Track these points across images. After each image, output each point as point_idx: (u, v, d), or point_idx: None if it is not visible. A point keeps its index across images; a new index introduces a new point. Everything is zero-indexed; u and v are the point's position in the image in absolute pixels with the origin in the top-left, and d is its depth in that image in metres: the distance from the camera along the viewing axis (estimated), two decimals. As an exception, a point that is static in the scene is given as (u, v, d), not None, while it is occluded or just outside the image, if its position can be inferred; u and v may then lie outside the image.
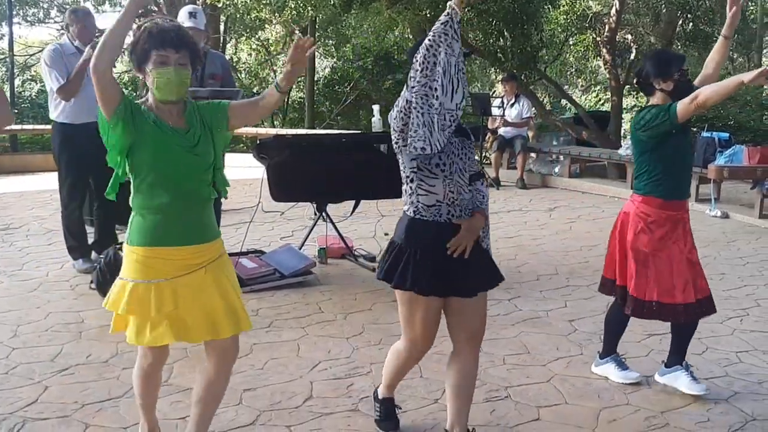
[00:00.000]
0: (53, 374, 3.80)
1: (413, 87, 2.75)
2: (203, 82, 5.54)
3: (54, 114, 5.58)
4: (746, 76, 3.15)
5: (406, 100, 2.78)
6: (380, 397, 3.34)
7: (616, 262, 3.74)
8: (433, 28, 2.74)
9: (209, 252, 2.75)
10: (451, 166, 2.84)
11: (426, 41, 2.73)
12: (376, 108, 6.84)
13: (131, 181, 2.70)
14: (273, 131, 13.99)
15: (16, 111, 18.85)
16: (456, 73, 2.73)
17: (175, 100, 2.69)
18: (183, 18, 5.60)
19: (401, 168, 2.93)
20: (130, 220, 2.73)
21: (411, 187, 2.89)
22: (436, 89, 2.72)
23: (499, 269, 3.06)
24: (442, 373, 3.26)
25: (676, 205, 3.62)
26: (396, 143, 2.86)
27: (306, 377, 3.85)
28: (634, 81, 3.69)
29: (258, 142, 6.23)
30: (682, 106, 3.40)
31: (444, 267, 2.87)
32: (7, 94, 12.22)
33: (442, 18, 2.72)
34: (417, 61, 2.74)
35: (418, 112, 2.74)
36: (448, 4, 2.72)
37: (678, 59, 3.68)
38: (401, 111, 2.80)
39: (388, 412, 3.33)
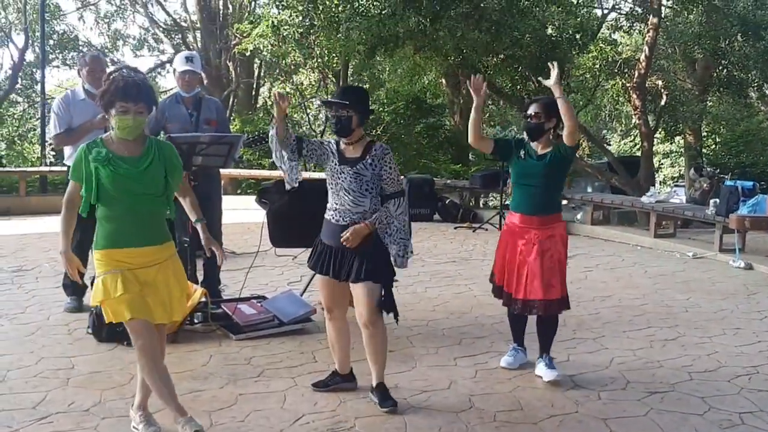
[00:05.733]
0: (31, 422, 3.76)
1: None
2: (198, 127, 5.58)
3: (66, 157, 5.81)
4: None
5: None
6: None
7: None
8: None
9: (160, 253, 3.49)
10: (335, 186, 3.95)
11: None
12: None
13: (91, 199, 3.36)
14: (276, 174, 14.05)
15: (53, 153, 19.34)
16: None
17: (131, 139, 3.43)
18: (180, 63, 5.67)
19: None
20: (96, 230, 3.41)
21: None
22: None
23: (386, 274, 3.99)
24: None
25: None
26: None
27: (286, 431, 3.75)
28: None
29: (260, 187, 6.24)
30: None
31: (327, 254, 3.98)
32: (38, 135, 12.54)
33: None
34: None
35: None
36: None
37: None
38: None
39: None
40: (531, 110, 4.53)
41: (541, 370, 4.57)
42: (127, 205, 3.40)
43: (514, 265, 4.51)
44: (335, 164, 3.98)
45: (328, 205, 4.04)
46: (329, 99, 4.08)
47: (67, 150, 5.71)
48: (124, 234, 3.41)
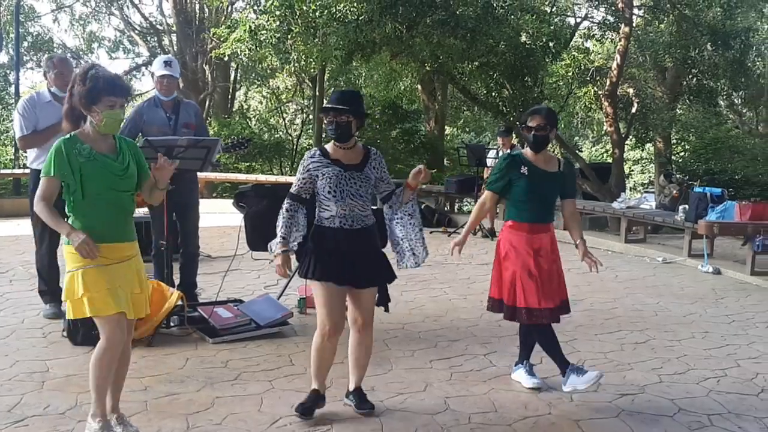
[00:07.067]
0: (7, 426, 3.75)
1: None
2: (177, 131, 5.58)
3: (29, 160, 5.71)
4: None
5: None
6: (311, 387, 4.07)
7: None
8: None
9: (132, 249, 3.55)
10: (341, 194, 3.84)
11: None
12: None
13: (72, 194, 3.38)
14: (252, 178, 14.08)
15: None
16: None
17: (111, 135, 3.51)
18: (158, 66, 5.66)
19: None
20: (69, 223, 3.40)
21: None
22: None
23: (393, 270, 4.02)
24: None
25: None
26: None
27: (263, 434, 3.78)
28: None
29: (237, 191, 6.25)
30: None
31: (339, 261, 3.82)
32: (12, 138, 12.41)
33: None
34: None
35: None
36: None
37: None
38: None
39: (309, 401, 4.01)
40: (536, 122, 4.35)
41: (522, 376, 4.60)
42: (108, 202, 3.43)
43: (535, 275, 4.35)
44: (340, 172, 3.87)
45: (327, 214, 3.89)
46: (326, 105, 3.92)
47: (31, 153, 5.63)
48: (103, 230, 3.42)
